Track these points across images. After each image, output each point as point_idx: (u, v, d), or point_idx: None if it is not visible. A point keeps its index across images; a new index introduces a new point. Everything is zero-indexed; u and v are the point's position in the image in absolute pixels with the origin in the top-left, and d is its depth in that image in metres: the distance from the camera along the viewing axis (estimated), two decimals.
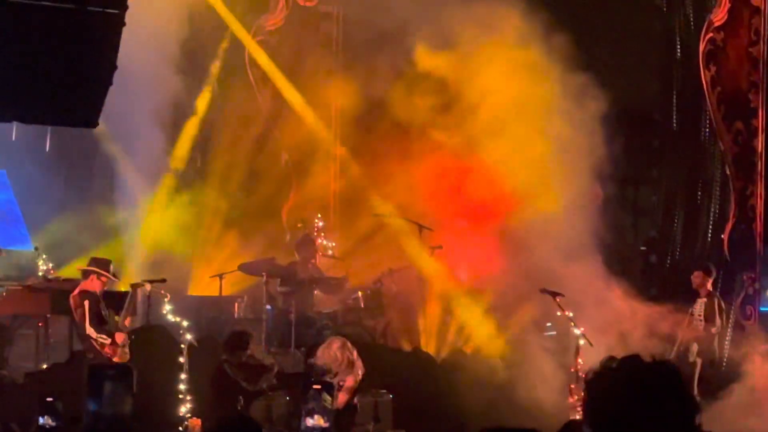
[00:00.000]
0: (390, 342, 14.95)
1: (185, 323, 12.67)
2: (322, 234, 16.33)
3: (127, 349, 12.48)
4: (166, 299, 12.91)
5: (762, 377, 13.84)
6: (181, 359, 12.37)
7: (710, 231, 16.67)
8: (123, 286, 13.86)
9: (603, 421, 2.93)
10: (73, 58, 7.99)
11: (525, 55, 14.96)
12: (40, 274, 14.35)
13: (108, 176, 16.75)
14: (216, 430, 5.25)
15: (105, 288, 12.68)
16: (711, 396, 12.71)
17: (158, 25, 14.88)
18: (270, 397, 12.59)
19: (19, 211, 15.98)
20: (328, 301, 15.35)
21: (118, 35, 7.98)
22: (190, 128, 17.17)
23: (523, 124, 15.17)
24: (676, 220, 17.43)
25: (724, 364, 14.54)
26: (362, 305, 15.14)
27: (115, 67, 8.02)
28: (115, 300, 12.92)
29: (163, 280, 13.31)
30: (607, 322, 14.20)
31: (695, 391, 11.94)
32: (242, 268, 15.16)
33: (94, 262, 12.74)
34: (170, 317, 12.82)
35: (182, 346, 12.49)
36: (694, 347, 13.87)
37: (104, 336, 12.39)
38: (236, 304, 15.37)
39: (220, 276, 15.17)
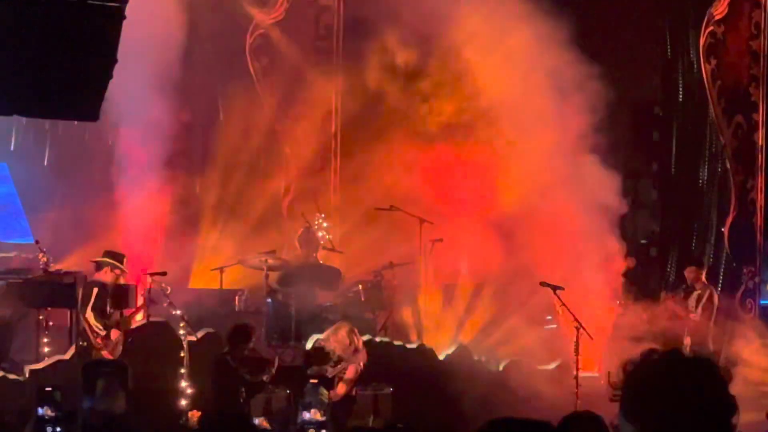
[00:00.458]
0: (390, 335, 14.94)
1: (185, 316, 12.70)
2: (324, 226, 16.31)
3: (120, 347, 12.49)
4: (167, 292, 12.92)
5: (759, 370, 13.88)
6: (182, 352, 12.38)
7: (713, 225, 16.67)
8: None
9: (639, 412, 2.93)
10: (73, 52, 7.99)
11: (525, 45, 14.95)
12: (41, 267, 14.32)
13: (108, 168, 16.71)
14: (214, 424, 5.26)
15: (117, 281, 12.75)
16: None
17: (158, 17, 14.84)
18: (270, 390, 12.61)
19: (20, 203, 15.95)
20: (329, 294, 15.33)
21: (118, 28, 7.98)
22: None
23: (523, 115, 15.17)
24: (676, 214, 17.43)
25: (721, 357, 14.55)
26: (362, 298, 15.13)
27: (115, 61, 8.02)
28: (119, 294, 12.96)
29: (164, 273, 13.33)
30: (605, 315, 14.23)
31: None
32: (243, 261, 15.15)
33: (110, 254, 12.79)
34: (171, 310, 12.83)
35: (182, 339, 12.51)
36: (687, 340, 13.95)
37: (100, 327, 12.41)
38: (237, 297, 15.35)
39: (221, 269, 15.16)
